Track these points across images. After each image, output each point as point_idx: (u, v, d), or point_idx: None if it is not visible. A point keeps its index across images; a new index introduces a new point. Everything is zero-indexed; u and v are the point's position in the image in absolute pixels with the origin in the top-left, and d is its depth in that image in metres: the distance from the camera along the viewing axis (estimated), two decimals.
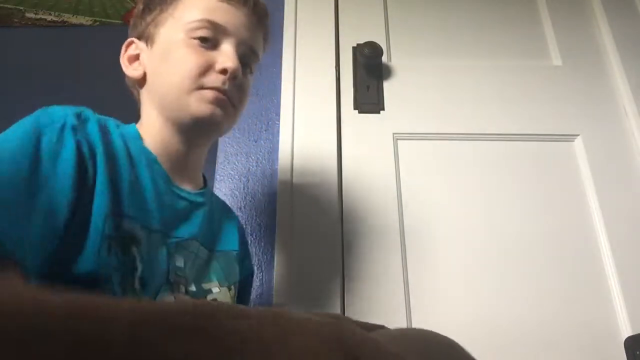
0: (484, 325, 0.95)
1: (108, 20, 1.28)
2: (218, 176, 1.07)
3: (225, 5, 0.69)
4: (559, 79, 1.19)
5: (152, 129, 0.68)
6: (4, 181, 0.46)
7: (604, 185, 1.06)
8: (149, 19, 0.70)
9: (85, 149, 0.55)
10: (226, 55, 0.66)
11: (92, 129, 0.58)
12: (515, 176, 1.08)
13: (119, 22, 1.28)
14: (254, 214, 1.04)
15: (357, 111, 1.13)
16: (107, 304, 0.30)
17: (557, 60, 1.21)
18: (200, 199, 0.71)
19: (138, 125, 0.69)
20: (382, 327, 0.52)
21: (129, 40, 0.72)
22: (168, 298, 0.60)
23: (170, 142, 0.68)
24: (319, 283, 0.96)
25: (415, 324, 0.94)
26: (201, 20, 0.67)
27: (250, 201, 1.05)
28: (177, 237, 0.65)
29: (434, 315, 0.96)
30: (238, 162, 1.08)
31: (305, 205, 1.03)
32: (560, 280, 0.99)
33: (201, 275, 0.68)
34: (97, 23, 1.28)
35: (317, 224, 1.02)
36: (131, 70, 0.70)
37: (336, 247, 0.99)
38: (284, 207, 1.03)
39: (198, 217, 0.70)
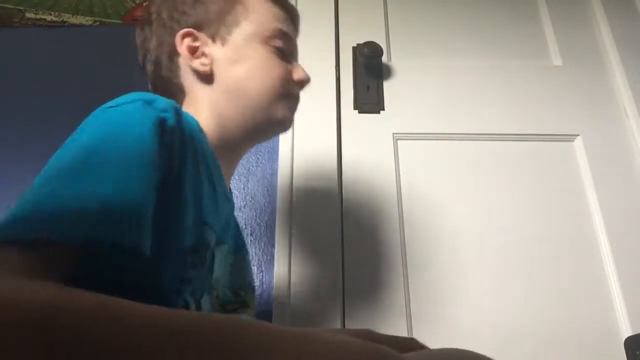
0: (484, 325, 0.95)
1: (108, 20, 1.28)
2: None
3: (289, 18, 0.73)
4: (559, 79, 1.19)
5: (208, 126, 0.64)
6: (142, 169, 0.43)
7: (604, 185, 1.07)
8: (217, 15, 0.68)
9: (176, 154, 0.50)
10: (300, 68, 0.71)
11: (186, 127, 0.53)
12: (515, 176, 1.08)
13: (119, 22, 1.28)
14: (254, 214, 1.04)
15: (357, 111, 1.13)
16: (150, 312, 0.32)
17: (557, 60, 1.21)
18: (233, 200, 0.71)
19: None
20: (419, 345, 0.50)
21: (187, 30, 0.67)
22: (207, 302, 0.57)
23: (226, 140, 0.66)
24: (319, 283, 0.96)
25: (415, 324, 0.94)
26: (277, 31, 0.69)
27: (250, 201, 1.05)
28: (221, 242, 0.63)
29: (434, 315, 0.96)
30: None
31: (305, 205, 1.03)
32: (560, 280, 0.99)
33: (231, 280, 0.68)
34: (97, 23, 1.28)
35: (317, 224, 1.02)
36: (198, 64, 0.66)
37: (336, 247, 0.99)
38: (284, 207, 1.03)
39: (231, 219, 0.70)
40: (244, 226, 1.02)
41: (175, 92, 0.69)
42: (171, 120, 0.50)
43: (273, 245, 1.00)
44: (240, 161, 1.07)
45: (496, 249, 1.01)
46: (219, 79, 0.67)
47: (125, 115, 0.47)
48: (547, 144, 1.12)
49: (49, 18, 1.28)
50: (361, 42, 1.16)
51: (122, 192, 0.40)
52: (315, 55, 1.18)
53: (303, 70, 0.71)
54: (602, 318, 0.96)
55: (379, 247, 1.00)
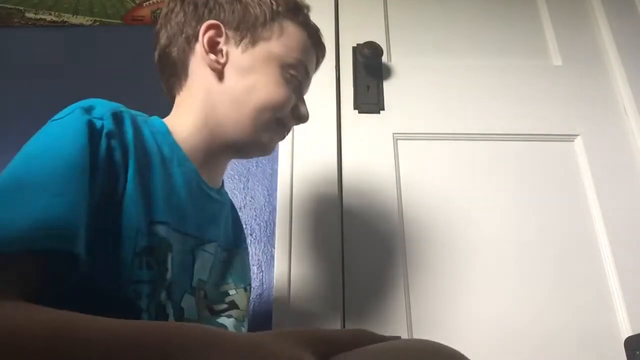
0: (484, 325, 0.95)
1: (108, 20, 1.28)
2: None
3: (315, 56, 0.73)
4: (559, 79, 1.19)
5: (191, 127, 0.65)
6: (66, 174, 0.45)
7: (604, 185, 1.06)
8: (252, 22, 0.67)
9: (117, 157, 0.52)
10: (304, 105, 0.72)
11: (128, 131, 0.54)
12: (515, 176, 1.08)
13: (119, 22, 1.28)
14: (254, 214, 1.04)
15: (357, 111, 1.13)
16: (86, 325, 0.33)
17: (557, 60, 1.21)
18: (222, 198, 0.70)
19: (168, 118, 0.66)
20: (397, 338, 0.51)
21: (215, 22, 0.66)
22: (190, 303, 0.59)
23: (210, 143, 0.66)
24: (319, 283, 0.96)
25: (415, 324, 0.94)
26: (299, 61, 0.69)
27: (250, 201, 1.05)
28: (205, 241, 0.63)
29: (433, 315, 0.96)
30: (238, 162, 1.08)
31: (305, 205, 1.03)
32: (560, 280, 0.99)
33: (219, 277, 0.68)
34: (97, 23, 1.28)
35: (317, 224, 1.02)
36: (212, 59, 0.66)
37: (336, 247, 0.99)
38: (284, 207, 1.03)
39: (221, 218, 0.69)
40: (244, 226, 1.02)
41: (178, 72, 0.68)
42: (108, 125, 0.51)
43: (273, 245, 1.00)
44: (240, 161, 1.08)
45: (496, 248, 1.01)
46: (225, 80, 0.66)
47: (61, 127, 0.50)
48: (547, 144, 1.12)
49: (49, 18, 1.28)
50: (361, 42, 1.16)
51: (51, 203, 0.43)
52: None
53: (306, 108, 0.72)
54: (602, 318, 0.96)
55: (379, 246, 1.00)
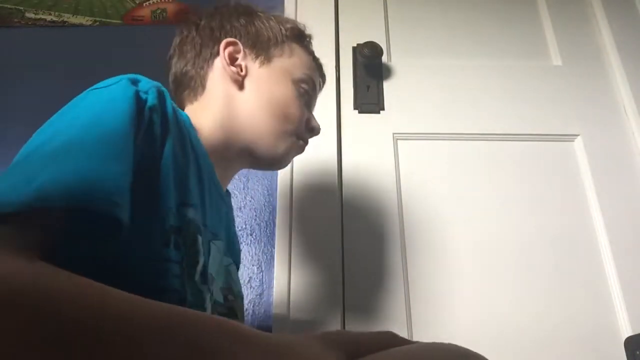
0: (484, 325, 0.95)
1: (108, 20, 1.28)
2: None
3: (320, 75, 0.80)
4: (559, 79, 1.19)
5: (211, 128, 0.67)
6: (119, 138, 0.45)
7: (604, 185, 1.07)
8: (266, 42, 0.72)
9: (157, 132, 0.51)
10: (315, 119, 0.77)
11: (169, 109, 0.55)
12: (515, 176, 1.08)
13: (119, 22, 1.28)
14: (254, 214, 1.04)
15: (357, 111, 1.13)
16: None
17: (557, 60, 1.21)
18: (230, 202, 0.72)
19: (190, 116, 0.66)
20: (398, 340, 0.50)
21: (233, 39, 0.71)
22: (209, 298, 0.58)
23: (227, 147, 0.68)
24: (319, 283, 0.96)
25: (415, 324, 0.94)
26: (310, 77, 0.75)
27: (250, 201, 1.05)
28: (216, 237, 0.64)
29: (433, 315, 0.96)
30: None
31: (305, 205, 1.03)
32: (560, 280, 0.99)
33: (222, 280, 0.68)
34: (97, 23, 1.28)
35: (317, 224, 1.02)
36: (233, 72, 0.69)
37: (336, 247, 0.99)
38: (284, 207, 1.03)
39: (228, 221, 0.71)
40: (244, 226, 1.02)
41: (195, 85, 0.71)
42: (152, 99, 0.52)
43: (273, 245, 1.00)
44: None
45: (496, 248, 1.01)
46: (246, 90, 0.70)
47: (107, 94, 0.50)
48: (547, 144, 1.12)
49: (49, 18, 1.28)
50: (361, 42, 1.16)
51: (99, 165, 0.42)
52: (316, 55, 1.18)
53: (317, 122, 0.77)
54: (602, 318, 0.96)
55: (379, 246, 1.00)
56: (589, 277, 1.00)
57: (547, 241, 1.02)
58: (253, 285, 0.97)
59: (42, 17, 1.28)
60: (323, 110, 1.13)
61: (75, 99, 0.51)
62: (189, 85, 0.72)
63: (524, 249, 1.01)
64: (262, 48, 0.72)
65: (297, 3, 1.24)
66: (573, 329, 0.95)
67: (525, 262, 1.00)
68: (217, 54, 0.71)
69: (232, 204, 1.03)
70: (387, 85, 1.16)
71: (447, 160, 1.10)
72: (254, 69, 0.71)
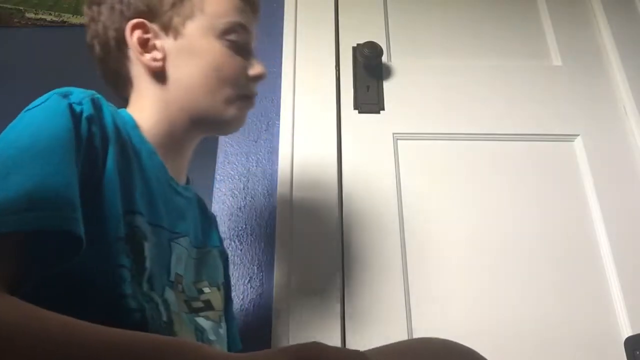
0: (484, 325, 0.95)
1: None
2: (218, 176, 1.07)
3: (244, 5, 0.69)
4: (559, 79, 1.19)
5: (153, 120, 0.64)
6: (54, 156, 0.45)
7: (604, 185, 1.06)
8: (171, 4, 0.65)
9: (97, 142, 0.51)
10: (257, 61, 0.69)
11: (107, 117, 0.54)
12: (516, 176, 1.08)
13: None
14: (254, 214, 1.04)
15: (357, 111, 1.13)
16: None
17: (557, 60, 1.21)
18: (190, 194, 0.70)
19: (131, 112, 0.64)
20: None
21: (138, 21, 0.64)
22: (172, 297, 0.58)
23: (172, 135, 0.65)
24: (319, 283, 0.96)
25: (415, 324, 0.94)
26: (234, 23, 0.67)
27: (250, 201, 1.05)
28: (177, 234, 0.63)
29: (433, 316, 0.96)
30: (238, 162, 1.08)
31: (306, 205, 1.03)
32: (560, 280, 0.99)
33: (193, 274, 0.67)
34: None
35: (317, 224, 1.02)
36: (149, 59, 0.64)
37: (336, 247, 0.99)
38: (284, 207, 1.03)
39: (189, 213, 0.69)
40: (244, 226, 1.02)
41: (124, 81, 0.68)
42: (87, 110, 0.51)
43: (273, 245, 1.00)
44: (240, 161, 1.08)
45: (496, 249, 1.01)
46: (170, 75, 0.65)
47: (42, 112, 0.49)
48: (547, 144, 1.12)
49: (49, 18, 1.28)
50: (361, 42, 1.16)
51: (46, 183, 0.42)
52: (315, 55, 1.18)
53: (259, 64, 0.69)
54: (602, 318, 0.96)
55: (379, 246, 1.00)
56: (589, 277, 0.99)
57: (547, 241, 1.02)
58: (253, 285, 0.97)
59: (42, 17, 1.28)
60: (323, 110, 1.13)
61: (11, 123, 0.50)
62: (117, 82, 0.68)
63: (524, 248, 1.01)
64: (167, 15, 0.65)
65: (297, 3, 1.24)
66: (573, 329, 0.95)
67: (525, 262, 1.00)
68: (126, 39, 0.64)
69: (232, 203, 1.04)
70: (387, 85, 1.16)
71: (447, 160, 1.09)
72: (170, 45, 0.65)
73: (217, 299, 0.69)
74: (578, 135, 1.12)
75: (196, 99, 0.65)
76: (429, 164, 1.09)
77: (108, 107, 0.56)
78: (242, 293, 0.96)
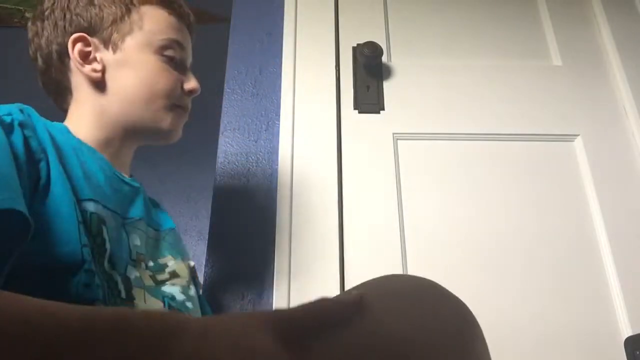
0: (484, 325, 0.94)
1: None
2: (218, 176, 1.07)
3: (180, 24, 0.75)
4: (559, 79, 1.19)
5: (89, 128, 0.68)
6: None
7: (604, 185, 1.06)
8: (111, 21, 0.69)
9: (35, 144, 0.54)
10: (192, 77, 0.74)
11: (38, 122, 0.58)
12: (515, 176, 1.08)
13: None
14: (254, 214, 1.04)
15: (357, 111, 1.13)
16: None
17: (557, 60, 1.21)
18: (137, 184, 0.73)
19: (66, 123, 0.69)
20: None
21: (79, 35, 0.68)
22: (134, 274, 0.62)
23: (108, 143, 0.69)
24: (319, 283, 0.96)
25: None
26: (170, 40, 0.72)
27: (250, 201, 1.05)
28: (131, 218, 0.67)
29: None
30: (238, 162, 1.08)
31: (305, 205, 1.03)
32: (560, 280, 0.99)
33: (155, 251, 0.71)
34: None
35: (317, 224, 1.02)
36: (89, 70, 0.68)
37: (336, 247, 0.99)
38: (284, 207, 1.03)
39: (140, 200, 0.72)
40: (244, 226, 1.02)
41: (64, 92, 0.72)
42: (18, 117, 0.54)
43: (273, 245, 1.00)
44: (240, 161, 1.08)
45: (496, 249, 1.01)
46: (108, 86, 0.69)
47: None
48: (547, 144, 1.12)
49: None
50: (361, 42, 1.16)
51: None
52: (315, 55, 1.18)
53: (194, 79, 0.74)
54: (602, 318, 0.96)
55: (379, 247, 1.00)
56: (589, 277, 0.99)
57: (547, 241, 1.02)
58: (253, 285, 0.97)
59: None
60: (323, 110, 1.13)
61: None
62: (58, 93, 0.72)
63: (524, 249, 1.01)
64: (107, 32, 0.69)
65: (297, 3, 1.24)
66: (573, 329, 0.95)
67: (525, 262, 1.00)
68: (68, 52, 0.68)
69: (232, 203, 1.04)
70: (387, 85, 1.16)
71: (447, 160, 1.09)
72: (109, 57, 0.69)
73: (182, 269, 0.73)
74: (578, 135, 1.12)
75: (131, 109, 0.69)
76: (429, 164, 1.09)
77: (37, 116, 0.59)
78: (242, 293, 0.96)
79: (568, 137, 1.13)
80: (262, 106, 1.14)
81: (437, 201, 1.05)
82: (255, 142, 1.11)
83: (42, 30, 0.70)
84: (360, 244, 1.00)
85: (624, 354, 0.91)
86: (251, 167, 1.08)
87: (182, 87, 0.73)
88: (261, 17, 1.24)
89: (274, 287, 0.96)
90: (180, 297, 0.69)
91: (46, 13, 0.71)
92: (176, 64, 0.72)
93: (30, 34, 0.72)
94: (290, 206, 1.03)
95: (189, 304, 0.70)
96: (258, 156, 1.09)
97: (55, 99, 0.74)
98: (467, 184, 1.07)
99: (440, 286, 0.50)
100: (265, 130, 1.12)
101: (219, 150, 1.09)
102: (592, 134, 1.12)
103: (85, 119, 0.69)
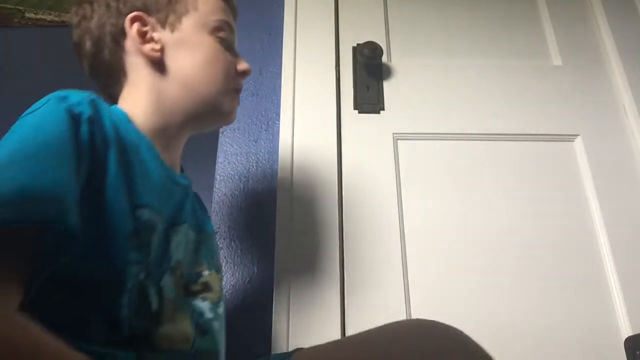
0: (484, 325, 0.95)
1: None
2: (218, 176, 1.07)
3: (231, 11, 0.75)
4: (559, 79, 1.19)
5: (147, 113, 0.65)
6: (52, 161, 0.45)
7: (604, 185, 1.07)
8: (166, 1, 0.68)
9: (98, 142, 0.52)
10: (242, 60, 0.74)
11: (105, 117, 0.55)
12: (515, 176, 1.08)
13: None
14: (254, 214, 1.04)
15: (357, 111, 1.13)
16: None
17: (557, 60, 1.21)
18: (186, 182, 0.71)
19: (123, 107, 0.65)
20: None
21: (137, 14, 0.66)
22: (169, 283, 0.59)
23: (165, 128, 0.66)
24: (319, 283, 0.96)
25: None
26: (223, 22, 0.71)
27: (250, 201, 1.05)
28: (177, 222, 0.65)
29: (433, 315, 0.95)
30: (238, 162, 1.08)
31: (305, 205, 1.03)
32: (561, 281, 0.99)
33: (193, 258, 0.69)
34: None
35: (317, 224, 1.02)
36: (149, 49, 0.66)
37: (336, 247, 0.99)
38: (284, 207, 1.03)
39: (188, 202, 0.70)
40: (244, 226, 1.02)
41: (117, 75, 0.68)
42: (87, 111, 0.52)
43: (273, 245, 1.00)
44: (240, 161, 1.08)
45: (496, 248, 1.01)
46: (168, 67, 0.67)
47: (39, 116, 0.50)
48: (547, 144, 1.12)
49: (49, 18, 1.28)
50: (361, 42, 1.16)
51: (41, 179, 0.43)
52: (315, 55, 1.18)
53: (244, 62, 0.74)
54: (602, 318, 0.96)
55: (379, 246, 1.00)
56: (589, 277, 1.00)
57: (547, 241, 1.02)
58: (253, 285, 0.97)
59: (42, 17, 1.28)
60: (323, 110, 1.13)
61: (10, 129, 0.51)
62: (109, 75, 0.69)
63: (524, 249, 1.01)
64: (163, 12, 0.68)
65: (297, 3, 1.24)
66: (573, 329, 0.95)
67: (525, 262, 1.00)
68: (124, 33, 0.66)
69: (232, 204, 1.04)
70: (387, 85, 1.16)
71: (447, 160, 1.10)
72: (168, 37, 0.67)
73: (215, 281, 0.71)
74: (578, 135, 1.12)
75: (192, 91, 0.67)
76: (429, 164, 1.09)
77: (106, 107, 0.57)
78: (242, 293, 0.96)
79: (568, 137, 1.13)
80: (262, 106, 1.14)
81: (437, 201, 1.05)
82: (255, 142, 1.11)
83: (92, 13, 0.68)
84: (361, 244, 1.00)
85: (624, 353, 0.91)
86: (251, 167, 1.08)
87: (235, 68, 0.72)
88: (261, 17, 1.24)
89: (274, 287, 0.96)
90: (208, 314, 0.66)
91: None
92: (227, 46, 0.71)
93: (76, 19, 0.69)
94: (290, 206, 1.03)
95: (215, 324, 0.67)
96: (258, 156, 1.09)
97: (105, 83, 0.70)
98: (467, 184, 1.07)
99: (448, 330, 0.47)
100: (265, 130, 1.12)
101: (219, 150, 1.09)
102: (592, 134, 1.12)
103: (142, 103, 0.65)
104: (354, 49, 1.20)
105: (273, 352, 0.89)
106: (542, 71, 1.20)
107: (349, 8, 1.26)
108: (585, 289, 0.98)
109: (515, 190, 1.07)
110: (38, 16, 1.28)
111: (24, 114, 0.52)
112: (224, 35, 0.71)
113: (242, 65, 0.73)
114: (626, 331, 0.94)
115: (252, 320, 0.94)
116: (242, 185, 1.06)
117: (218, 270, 0.73)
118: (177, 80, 0.67)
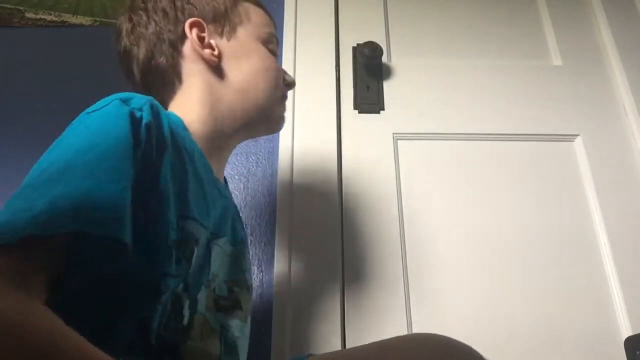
0: (484, 325, 0.95)
1: (108, 20, 1.28)
2: None
3: (273, 22, 0.78)
4: (559, 79, 1.19)
5: (201, 121, 0.65)
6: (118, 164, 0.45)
7: (604, 185, 1.06)
8: (224, 11, 0.70)
9: (154, 149, 0.52)
10: (287, 72, 0.77)
11: (164, 123, 0.55)
12: (516, 176, 1.08)
13: None
14: (254, 214, 1.04)
15: (357, 111, 1.13)
16: None
17: (557, 60, 1.21)
18: (228, 194, 0.71)
19: (177, 113, 0.64)
20: None
21: (196, 19, 0.68)
22: (203, 296, 0.58)
23: (218, 136, 0.67)
24: (319, 283, 0.96)
25: (415, 324, 0.94)
26: (272, 35, 0.75)
27: (250, 201, 1.05)
28: (218, 235, 0.64)
29: (434, 316, 0.96)
30: (238, 162, 1.08)
31: (305, 205, 1.03)
32: (560, 280, 0.99)
33: (228, 272, 0.68)
34: (97, 23, 1.28)
35: (317, 224, 1.02)
36: (208, 54, 0.67)
37: (336, 247, 0.99)
38: (284, 207, 1.03)
39: (229, 212, 0.70)
40: (244, 226, 1.02)
41: (171, 80, 0.68)
42: (147, 117, 0.51)
43: (273, 245, 1.00)
44: (240, 161, 1.08)
45: (496, 249, 1.01)
46: (225, 73, 0.69)
47: (102, 117, 0.49)
48: (547, 144, 1.12)
49: (49, 18, 1.28)
50: (361, 42, 1.16)
51: (99, 187, 0.42)
52: (315, 55, 1.18)
53: (290, 75, 0.78)
54: (602, 318, 0.96)
55: (379, 247, 1.00)
56: (589, 277, 0.99)
57: (547, 241, 1.02)
58: (253, 285, 0.97)
59: (42, 17, 1.28)
60: (323, 110, 1.13)
61: (70, 125, 0.51)
62: (162, 81, 0.68)
63: (524, 249, 1.01)
64: (221, 21, 0.70)
65: (297, 3, 1.24)
66: (573, 329, 0.95)
67: (525, 262, 1.00)
68: (182, 38, 0.67)
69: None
70: (387, 85, 1.16)
71: (447, 160, 1.09)
72: (225, 45, 0.69)
73: (245, 299, 0.69)
74: (578, 135, 1.12)
75: (248, 97, 0.69)
76: (429, 164, 1.09)
77: (164, 112, 0.57)
78: None
79: (568, 137, 1.13)
80: None
81: (437, 201, 1.05)
82: (255, 142, 1.11)
83: (148, 19, 0.68)
84: (361, 244, 1.00)
85: (624, 354, 0.91)
86: (251, 167, 1.08)
87: (284, 78, 0.75)
88: None
89: (273, 287, 0.96)
90: (236, 332, 0.64)
91: (149, 4, 0.69)
92: (275, 57, 0.75)
93: (127, 26, 0.70)
94: (290, 206, 1.03)
95: (240, 343, 0.65)
96: (258, 156, 1.09)
97: (159, 88, 0.69)
98: (467, 184, 1.07)
99: (454, 344, 0.48)
100: None
101: None
102: (592, 134, 1.12)
103: (196, 109, 0.66)
104: (354, 49, 1.20)
105: (273, 352, 0.89)
106: (542, 71, 1.20)
107: (349, 8, 1.26)
108: (585, 289, 0.98)
109: (515, 190, 1.07)
110: (38, 16, 1.28)
111: (86, 111, 0.52)
112: (273, 47, 0.74)
113: (289, 77, 0.76)
114: (626, 331, 0.94)
115: (251, 320, 0.93)
116: (242, 185, 1.06)
117: (249, 288, 0.73)
118: (234, 87, 0.69)
